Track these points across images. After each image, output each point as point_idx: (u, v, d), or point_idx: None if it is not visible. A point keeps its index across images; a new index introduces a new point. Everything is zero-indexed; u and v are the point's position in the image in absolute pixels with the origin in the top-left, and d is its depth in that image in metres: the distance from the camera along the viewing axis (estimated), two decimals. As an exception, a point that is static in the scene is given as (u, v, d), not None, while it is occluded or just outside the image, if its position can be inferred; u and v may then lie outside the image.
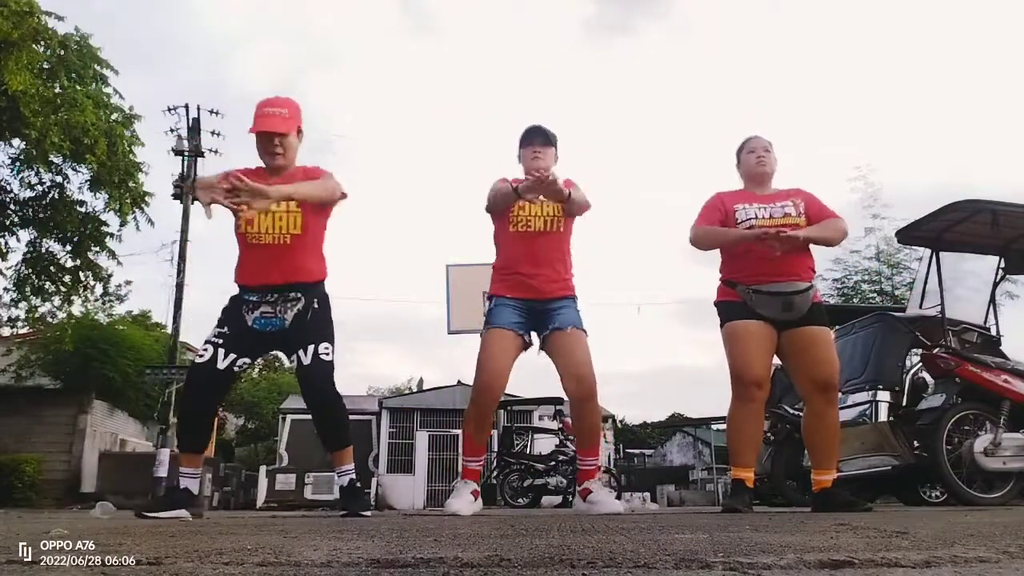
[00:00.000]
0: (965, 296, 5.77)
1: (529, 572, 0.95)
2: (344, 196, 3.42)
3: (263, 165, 3.37)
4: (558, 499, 10.21)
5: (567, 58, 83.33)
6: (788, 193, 3.59)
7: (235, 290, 3.41)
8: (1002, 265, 5.66)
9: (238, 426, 32.66)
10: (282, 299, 3.29)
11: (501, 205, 3.49)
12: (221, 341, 3.27)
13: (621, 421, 34.37)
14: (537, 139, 3.62)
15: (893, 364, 5.37)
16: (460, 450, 3.49)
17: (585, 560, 1.05)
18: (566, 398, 3.59)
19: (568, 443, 9.84)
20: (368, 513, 3.38)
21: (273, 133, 3.25)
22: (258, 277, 3.30)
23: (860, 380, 5.42)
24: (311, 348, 3.28)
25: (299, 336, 3.31)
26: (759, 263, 3.38)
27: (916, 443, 5.00)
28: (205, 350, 3.26)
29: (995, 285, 5.75)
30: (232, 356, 3.26)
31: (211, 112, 16.11)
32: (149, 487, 12.71)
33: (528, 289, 3.44)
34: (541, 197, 3.37)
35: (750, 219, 3.47)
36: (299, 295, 3.31)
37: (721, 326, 3.50)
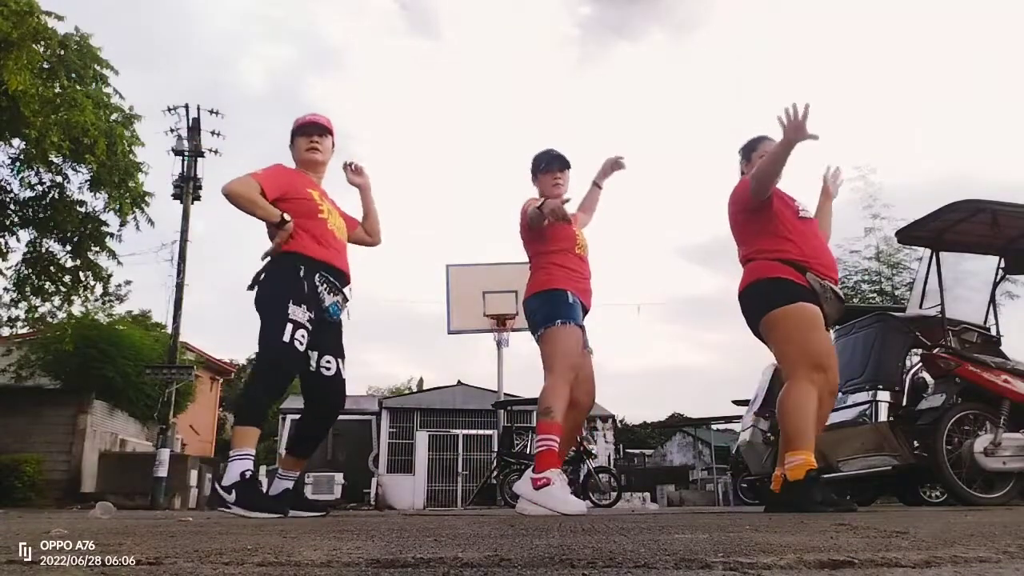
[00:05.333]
0: (965, 296, 5.77)
1: (529, 572, 0.95)
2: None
3: (300, 169, 3.60)
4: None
5: (566, 59, 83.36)
6: None
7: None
8: (1002, 265, 5.66)
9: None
10: (344, 295, 3.45)
11: (537, 224, 3.62)
12: (310, 331, 3.22)
13: (621, 421, 34.38)
14: (557, 165, 3.76)
15: (893, 364, 5.37)
16: (543, 435, 3.26)
17: (585, 560, 1.05)
18: None
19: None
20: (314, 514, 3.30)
21: (317, 125, 3.60)
22: (335, 260, 3.42)
23: (860, 380, 5.42)
24: (343, 361, 3.46)
25: (339, 341, 3.46)
26: (819, 253, 3.37)
27: (916, 443, 5.00)
28: (300, 341, 3.17)
29: (995, 285, 5.75)
30: (315, 354, 3.34)
31: (211, 112, 16.12)
32: (149, 487, 12.71)
33: (587, 300, 3.66)
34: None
35: (809, 212, 3.53)
36: (347, 297, 3.49)
37: (788, 301, 3.26)
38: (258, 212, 3.25)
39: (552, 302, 3.49)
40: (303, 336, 3.18)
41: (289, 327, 3.14)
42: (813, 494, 3.09)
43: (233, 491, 3.01)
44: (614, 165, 3.97)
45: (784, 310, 3.26)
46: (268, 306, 3.24)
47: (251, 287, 3.31)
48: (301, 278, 3.24)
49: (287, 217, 3.25)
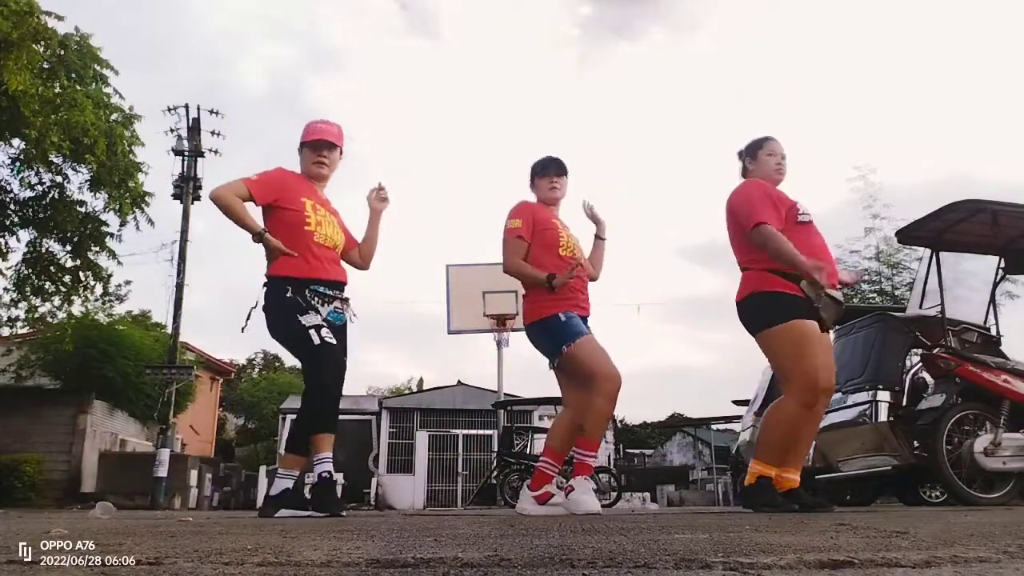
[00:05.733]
0: (965, 296, 5.77)
1: (529, 572, 0.95)
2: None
3: (303, 176, 3.65)
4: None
5: (565, 59, 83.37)
6: None
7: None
8: (1002, 265, 5.66)
9: (238, 426, 32.70)
10: (344, 299, 3.54)
11: (528, 285, 3.67)
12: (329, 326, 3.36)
13: (621, 421, 34.41)
14: (554, 169, 3.82)
15: (893, 364, 5.37)
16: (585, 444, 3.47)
17: (585, 560, 1.05)
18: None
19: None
20: (344, 513, 3.42)
21: (326, 141, 3.62)
22: (329, 273, 3.49)
23: (860, 380, 5.42)
24: (345, 360, 3.52)
25: (343, 342, 3.52)
26: (819, 257, 3.39)
27: (916, 443, 5.00)
28: (328, 336, 3.31)
29: (995, 285, 5.75)
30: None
31: (211, 112, 16.13)
32: (149, 487, 12.72)
33: (584, 308, 3.67)
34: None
35: (809, 215, 3.52)
36: (347, 298, 3.58)
37: (783, 320, 3.27)
38: (240, 222, 3.35)
39: (548, 332, 3.53)
40: (328, 333, 3.33)
41: (313, 332, 3.29)
42: (756, 499, 3.29)
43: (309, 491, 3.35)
44: (592, 212, 3.94)
45: (778, 330, 3.29)
46: (283, 330, 3.39)
47: (246, 323, 3.46)
48: (291, 297, 3.35)
49: (265, 234, 3.33)
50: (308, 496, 3.41)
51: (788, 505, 3.26)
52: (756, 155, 3.67)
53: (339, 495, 3.39)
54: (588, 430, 3.46)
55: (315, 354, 3.30)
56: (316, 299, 3.39)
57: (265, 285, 3.44)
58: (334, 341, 3.33)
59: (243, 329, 3.45)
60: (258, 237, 3.33)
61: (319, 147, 3.61)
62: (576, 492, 3.40)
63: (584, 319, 3.63)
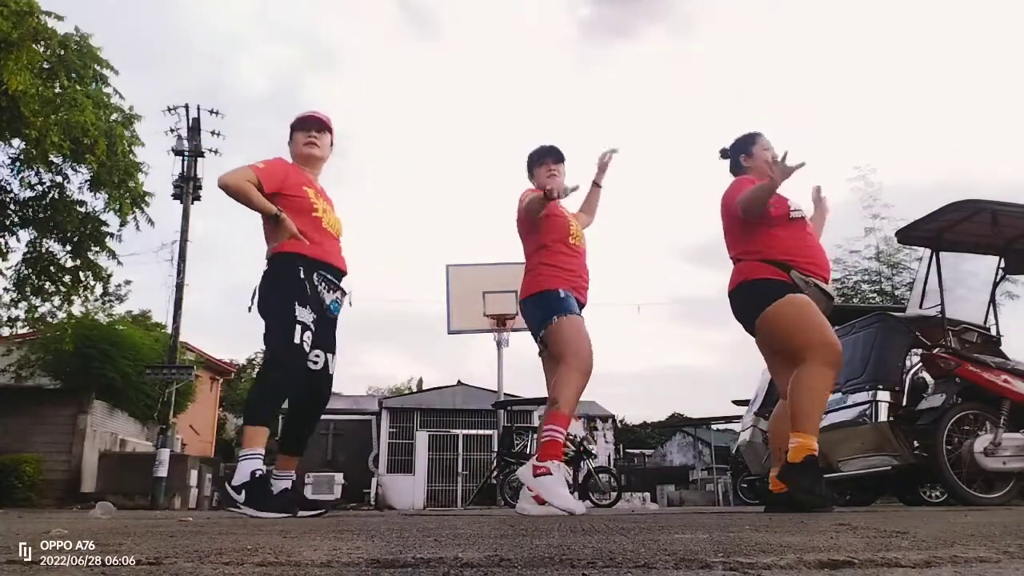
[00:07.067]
0: (965, 296, 5.77)
1: (529, 572, 0.95)
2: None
3: (297, 165, 3.63)
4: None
5: (565, 59, 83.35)
6: None
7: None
8: (1002, 265, 5.66)
9: (238, 426, 32.68)
10: (343, 289, 3.50)
11: (536, 212, 3.60)
12: (314, 333, 3.29)
13: (621, 421, 34.39)
14: (551, 156, 3.80)
15: (893, 364, 5.37)
16: (556, 429, 3.22)
17: (585, 560, 1.05)
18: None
19: (569, 443, 9.83)
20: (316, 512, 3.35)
21: (315, 119, 3.63)
22: (331, 257, 3.45)
23: (860, 380, 5.42)
24: (334, 357, 3.50)
25: (332, 337, 3.49)
26: (808, 251, 3.39)
27: (916, 443, 5.00)
28: (307, 342, 3.25)
29: (995, 285, 5.75)
30: (325, 357, 3.41)
31: (211, 112, 16.10)
32: (149, 487, 12.71)
33: (583, 295, 3.65)
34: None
35: (801, 211, 3.50)
36: (346, 291, 3.53)
37: (778, 297, 3.26)
38: (253, 205, 3.31)
39: (544, 302, 3.50)
40: (309, 338, 3.27)
41: (298, 328, 3.22)
42: (803, 480, 3.07)
43: (243, 491, 3.04)
44: (607, 157, 4.00)
45: (776, 306, 3.27)
46: (275, 308, 3.29)
47: (252, 304, 3.36)
48: (302, 279, 3.29)
49: (282, 214, 3.30)
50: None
51: (831, 496, 3.13)
52: (751, 151, 3.66)
53: (304, 494, 3.27)
54: (561, 401, 3.27)
55: (287, 350, 3.21)
56: (323, 284, 3.37)
57: (270, 261, 3.38)
58: (308, 349, 3.28)
59: (249, 309, 3.36)
60: (275, 218, 3.29)
61: (308, 126, 3.61)
62: (552, 479, 3.17)
63: (581, 307, 3.60)
